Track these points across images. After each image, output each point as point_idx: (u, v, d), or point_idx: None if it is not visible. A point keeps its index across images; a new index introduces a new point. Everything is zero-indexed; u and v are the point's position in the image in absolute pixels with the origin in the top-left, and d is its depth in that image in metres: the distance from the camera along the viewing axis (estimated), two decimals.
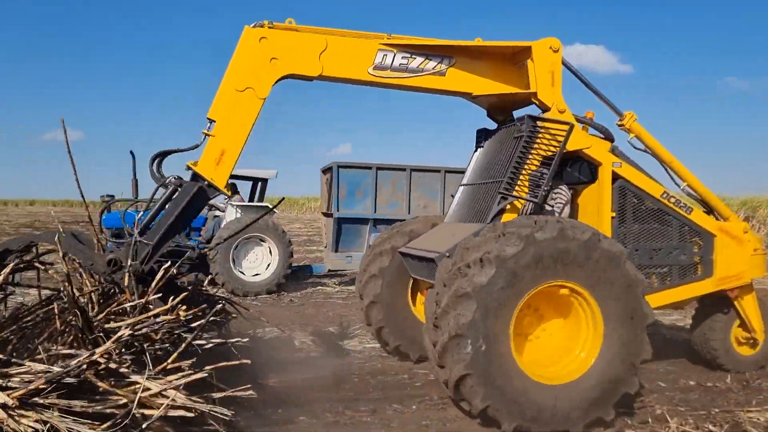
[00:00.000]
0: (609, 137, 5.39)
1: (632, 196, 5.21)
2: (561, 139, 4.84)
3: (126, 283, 4.16)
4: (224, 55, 4.84)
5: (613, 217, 5.13)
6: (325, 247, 12.33)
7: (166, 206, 4.48)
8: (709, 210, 5.70)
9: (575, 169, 5.58)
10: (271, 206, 12.02)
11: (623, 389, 4.24)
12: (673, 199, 5.32)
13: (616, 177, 5.16)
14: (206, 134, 4.59)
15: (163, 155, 4.67)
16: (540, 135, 4.94)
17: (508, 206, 4.88)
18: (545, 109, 5.11)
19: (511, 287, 4.00)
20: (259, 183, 12.50)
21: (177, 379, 3.29)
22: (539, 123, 4.95)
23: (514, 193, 4.86)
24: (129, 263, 4.21)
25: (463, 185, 5.76)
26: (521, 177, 4.90)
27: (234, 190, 12.52)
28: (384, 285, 5.90)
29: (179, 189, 4.50)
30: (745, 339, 5.86)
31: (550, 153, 4.89)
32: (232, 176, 12.05)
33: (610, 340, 4.21)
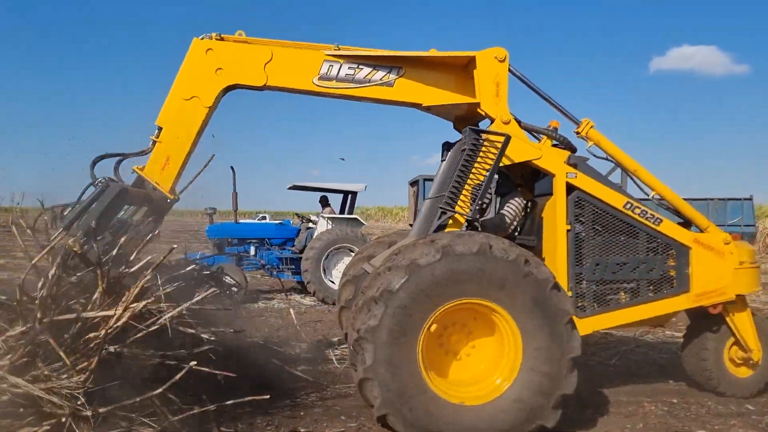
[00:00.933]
0: (570, 147, 5.18)
1: (590, 207, 4.97)
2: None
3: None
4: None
5: (568, 230, 4.92)
6: None
7: (92, 205, 4.63)
8: (687, 221, 5.33)
9: (537, 181, 5.43)
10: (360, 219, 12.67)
11: (538, 421, 4.06)
12: (638, 210, 5.02)
13: (572, 188, 4.95)
14: (154, 140, 4.88)
15: (103, 157, 4.89)
16: (484, 147, 4.84)
17: (450, 221, 4.80)
18: (491, 120, 4.99)
19: (422, 297, 3.95)
20: (349, 196, 13.06)
21: None
22: (482, 135, 4.84)
23: (457, 208, 4.78)
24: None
25: (426, 199, 5.73)
26: (464, 191, 4.81)
27: (325, 202, 13.21)
28: (355, 291, 5.96)
29: (106, 189, 4.66)
30: (742, 359, 5.42)
31: (491, 166, 4.78)
32: (324, 189, 13.06)
33: (528, 367, 4.06)
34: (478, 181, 4.81)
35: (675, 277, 5.10)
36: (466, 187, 4.81)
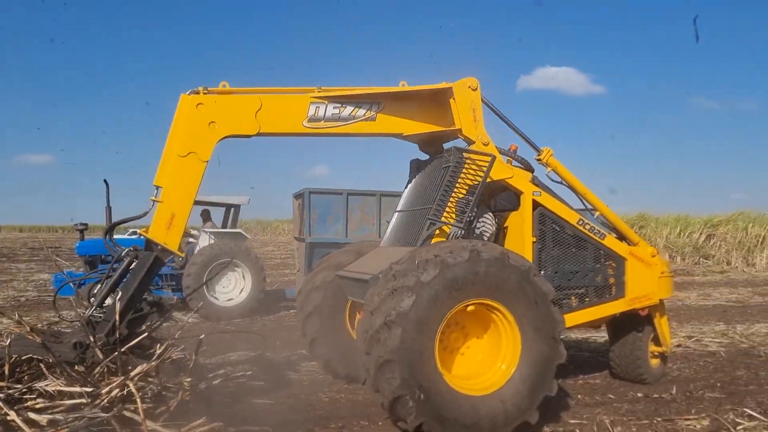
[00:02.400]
0: (529, 168, 5.84)
1: (551, 222, 5.66)
2: (485, 169, 5.25)
3: (102, 358, 4.23)
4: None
5: (534, 242, 5.55)
6: (298, 270, 12.57)
7: (126, 277, 4.63)
8: (621, 236, 6.22)
9: (501, 198, 6.02)
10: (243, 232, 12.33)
11: (543, 392, 4.61)
12: (588, 226, 5.80)
13: (536, 205, 5.60)
14: (154, 200, 4.80)
15: (113, 227, 4.88)
16: (466, 165, 5.34)
17: (437, 231, 5.23)
18: (470, 142, 5.52)
19: (431, 310, 4.31)
20: (232, 209, 12.82)
21: None
22: (465, 155, 5.35)
23: (443, 219, 5.22)
24: (93, 340, 4.29)
25: (398, 211, 6.11)
26: (449, 204, 5.27)
27: (207, 216, 12.80)
28: (323, 297, 6.13)
29: (135, 260, 4.67)
30: (657, 353, 6.39)
31: (474, 182, 5.30)
32: (205, 203, 12.60)
33: (528, 347, 4.57)
34: (461, 196, 5.30)
35: (614, 284, 5.94)
36: (451, 200, 5.27)
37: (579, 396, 6.01)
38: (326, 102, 5.29)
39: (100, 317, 4.50)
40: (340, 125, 5.35)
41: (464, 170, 5.34)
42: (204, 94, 4.98)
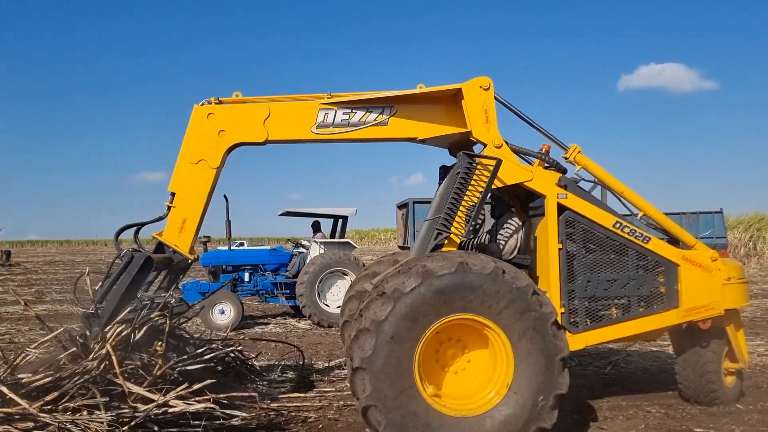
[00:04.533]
0: (560, 169, 5.40)
1: (581, 227, 5.18)
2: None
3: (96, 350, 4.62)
4: None
5: (560, 249, 5.12)
6: None
7: (121, 276, 4.96)
8: (674, 239, 5.53)
9: (530, 203, 5.65)
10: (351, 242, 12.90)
11: (538, 424, 4.23)
12: (627, 229, 5.23)
13: (563, 209, 5.17)
14: (168, 206, 5.15)
15: (125, 229, 5.23)
16: (477, 171, 5.07)
17: (446, 241, 5.02)
18: (483, 145, 5.24)
19: (410, 320, 4.15)
20: (340, 220, 13.37)
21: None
22: (474, 159, 5.08)
23: (452, 229, 4.99)
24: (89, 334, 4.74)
25: (425, 220, 5.95)
26: (459, 212, 5.03)
27: (317, 227, 13.54)
28: (359, 306, 6.12)
29: (131, 261, 4.97)
30: (732, 370, 5.62)
31: (484, 188, 5.00)
32: (315, 215, 13.36)
33: (521, 371, 4.24)
34: (471, 203, 5.04)
35: (665, 293, 5.28)
36: (461, 209, 5.03)
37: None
38: (336, 108, 5.29)
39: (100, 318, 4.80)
40: (350, 131, 5.33)
41: (475, 176, 5.08)
42: (215, 104, 5.24)
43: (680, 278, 5.28)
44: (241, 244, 19.99)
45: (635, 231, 5.24)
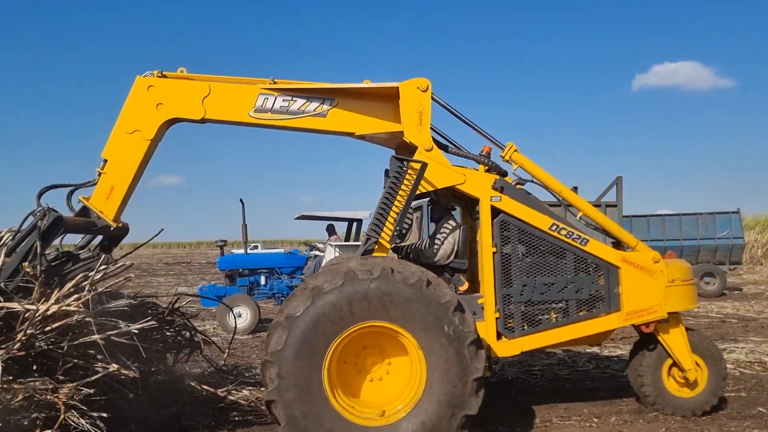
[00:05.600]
0: (501, 172, 5.30)
1: (516, 229, 5.08)
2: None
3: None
4: None
5: (494, 253, 5.03)
6: None
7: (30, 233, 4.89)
8: (617, 241, 5.40)
9: (469, 206, 5.56)
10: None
11: None
12: (564, 231, 5.11)
13: (497, 212, 5.07)
14: (99, 172, 5.19)
15: (50, 188, 5.16)
16: (408, 174, 5.00)
17: (376, 246, 4.95)
18: (414, 147, 5.16)
19: (324, 321, 4.10)
20: (354, 223, 13.36)
21: None
22: (404, 163, 5.01)
23: (382, 233, 4.92)
24: None
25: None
26: (389, 216, 4.96)
27: (332, 230, 13.61)
28: None
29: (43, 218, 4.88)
30: (683, 379, 5.42)
31: (416, 191, 4.93)
32: (330, 218, 13.42)
33: (432, 387, 4.17)
34: (401, 207, 4.97)
35: (605, 296, 5.16)
36: (392, 213, 4.96)
37: (723, 407, 5.71)
38: (276, 94, 5.27)
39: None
40: (288, 118, 5.30)
41: (406, 180, 5.00)
42: (158, 77, 5.25)
43: (621, 281, 5.15)
44: (255, 247, 20.08)
45: (572, 233, 5.12)
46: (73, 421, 4.10)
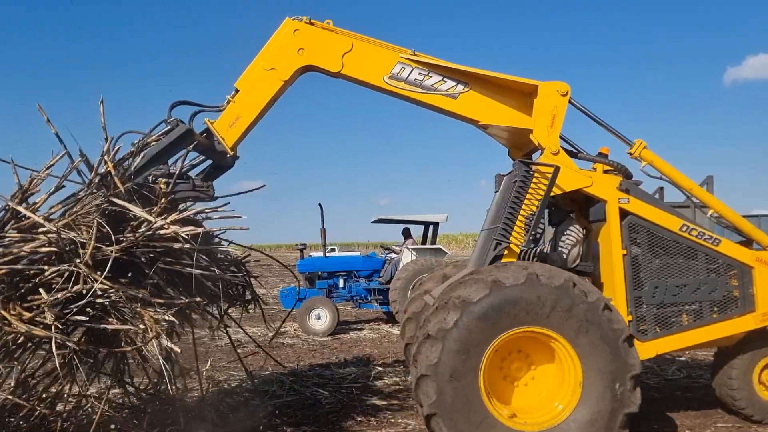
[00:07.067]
0: (626, 173, 5.24)
1: (645, 231, 5.02)
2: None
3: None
4: None
5: (624, 255, 4.97)
6: None
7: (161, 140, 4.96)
8: (747, 239, 5.28)
9: (592, 208, 5.51)
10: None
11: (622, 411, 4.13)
12: (695, 232, 5.03)
13: (625, 213, 5.02)
14: (229, 99, 5.24)
15: (180, 103, 5.18)
16: (534, 179, 4.99)
17: (506, 251, 4.95)
18: (541, 149, 5.15)
19: (477, 330, 4.11)
20: (431, 226, 13.53)
21: None
22: (531, 167, 5.01)
23: (511, 239, 4.93)
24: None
25: (482, 230, 5.89)
26: (518, 222, 4.96)
27: (408, 234, 13.77)
28: (424, 306, 6.09)
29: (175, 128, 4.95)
30: None
31: (542, 196, 4.92)
32: (406, 221, 13.60)
33: (590, 388, 4.13)
34: (530, 212, 4.96)
35: (739, 297, 5.05)
36: (520, 218, 4.96)
37: None
38: (414, 66, 5.28)
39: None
40: (420, 92, 5.29)
41: (533, 184, 5.00)
42: (306, 23, 5.28)
43: (755, 281, 5.04)
44: (332, 250, 20.31)
45: (704, 234, 5.04)
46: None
